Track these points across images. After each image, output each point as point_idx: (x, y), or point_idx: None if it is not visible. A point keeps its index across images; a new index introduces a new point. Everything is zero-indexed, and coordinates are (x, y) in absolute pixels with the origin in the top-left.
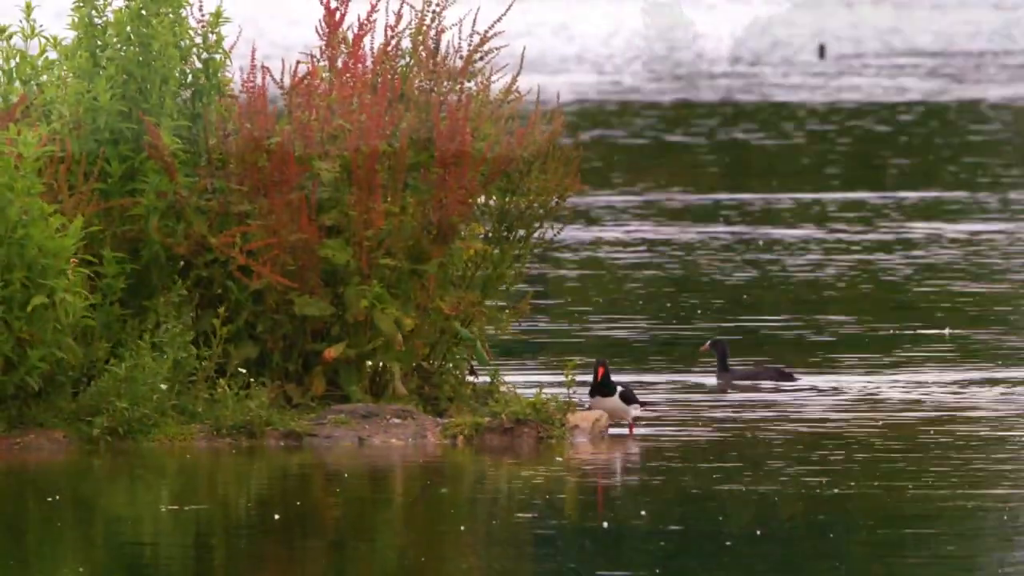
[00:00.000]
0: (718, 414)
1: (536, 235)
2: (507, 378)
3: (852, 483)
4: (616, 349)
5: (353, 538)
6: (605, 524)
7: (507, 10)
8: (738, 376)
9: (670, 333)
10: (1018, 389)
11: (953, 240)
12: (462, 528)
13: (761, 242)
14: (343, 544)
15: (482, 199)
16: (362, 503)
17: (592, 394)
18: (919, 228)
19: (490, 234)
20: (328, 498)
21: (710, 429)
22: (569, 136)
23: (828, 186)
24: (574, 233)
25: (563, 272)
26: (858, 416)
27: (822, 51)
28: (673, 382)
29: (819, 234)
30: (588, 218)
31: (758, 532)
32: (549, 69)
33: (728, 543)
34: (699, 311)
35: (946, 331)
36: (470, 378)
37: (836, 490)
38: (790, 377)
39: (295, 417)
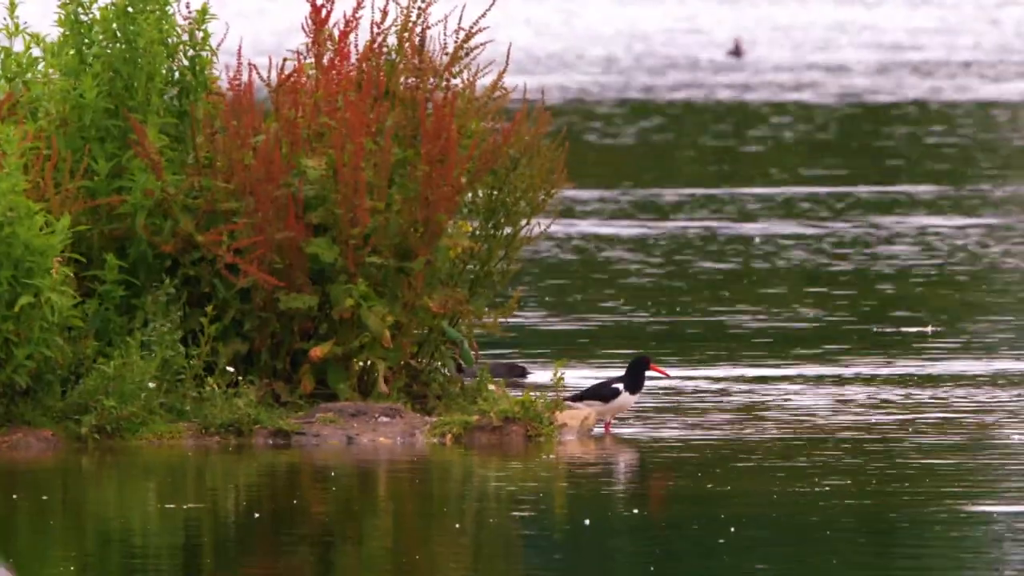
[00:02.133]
0: (704, 412)
1: (524, 231)
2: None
3: (840, 482)
4: (595, 344)
5: (342, 537)
6: (587, 521)
7: (491, 5)
8: (472, 373)
9: (659, 327)
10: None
11: (937, 235)
12: (456, 526)
13: (757, 239)
14: (331, 543)
15: (469, 195)
16: (350, 502)
17: (633, 390)
18: (901, 224)
19: (478, 231)
20: (316, 497)
21: (695, 426)
22: (555, 133)
23: (801, 180)
24: (557, 228)
25: (546, 265)
26: (846, 414)
27: (737, 49)
28: (656, 379)
29: (798, 228)
30: (569, 213)
31: (750, 531)
32: (536, 67)
33: (721, 540)
34: (677, 308)
35: (928, 329)
36: (458, 374)
37: (825, 488)
38: (523, 372)
39: (283, 415)
